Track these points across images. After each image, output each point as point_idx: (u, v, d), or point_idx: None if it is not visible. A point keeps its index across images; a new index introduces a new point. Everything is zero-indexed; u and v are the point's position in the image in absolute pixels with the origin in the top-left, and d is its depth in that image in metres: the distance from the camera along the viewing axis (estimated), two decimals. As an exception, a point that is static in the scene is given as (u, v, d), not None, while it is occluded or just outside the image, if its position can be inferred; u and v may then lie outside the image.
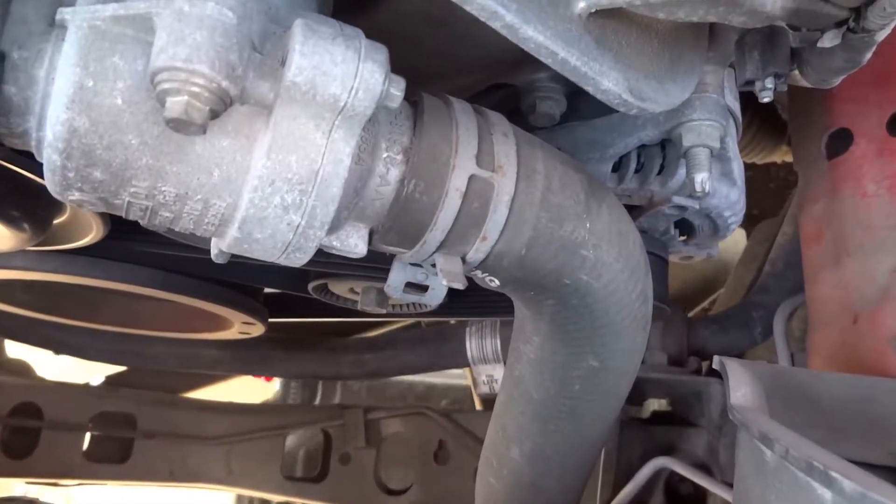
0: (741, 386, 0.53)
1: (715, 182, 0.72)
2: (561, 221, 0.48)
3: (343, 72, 0.37)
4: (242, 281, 0.88)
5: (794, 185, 1.38)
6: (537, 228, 0.47)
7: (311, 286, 0.88)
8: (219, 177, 0.38)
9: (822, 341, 0.79)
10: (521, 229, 0.47)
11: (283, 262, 0.43)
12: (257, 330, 1.04)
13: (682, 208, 0.75)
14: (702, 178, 0.64)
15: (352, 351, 1.22)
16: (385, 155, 0.43)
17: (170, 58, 0.32)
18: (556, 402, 0.60)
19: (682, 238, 0.86)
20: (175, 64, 0.32)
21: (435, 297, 0.52)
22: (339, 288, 0.90)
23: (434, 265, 0.49)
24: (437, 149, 0.44)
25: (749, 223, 1.61)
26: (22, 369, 1.43)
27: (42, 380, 1.38)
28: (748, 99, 0.78)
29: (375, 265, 0.79)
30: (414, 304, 0.96)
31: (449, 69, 0.64)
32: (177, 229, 0.42)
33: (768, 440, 0.40)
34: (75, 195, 0.38)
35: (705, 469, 0.96)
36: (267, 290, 1.07)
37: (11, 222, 0.59)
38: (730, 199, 0.75)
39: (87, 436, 1.29)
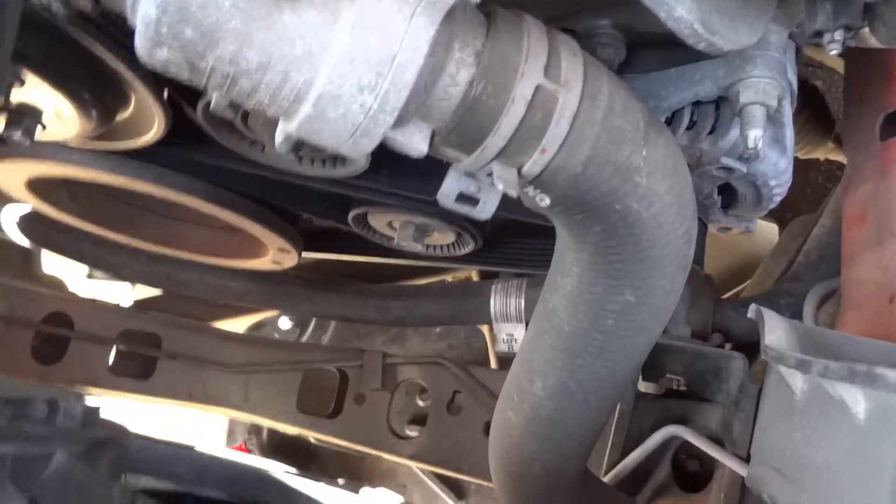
0: (776, 331, 0.54)
1: (766, 147, 0.73)
2: (619, 144, 0.49)
3: (433, -46, 0.38)
4: (286, 204, 0.90)
5: (832, 189, 1.37)
6: (595, 148, 0.48)
7: (351, 215, 0.89)
8: (301, 49, 0.40)
9: (854, 321, 0.79)
10: (579, 146, 0.48)
11: (347, 148, 0.45)
12: (291, 260, 1.06)
13: (729, 171, 0.75)
14: (755, 136, 0.64)
15: (377, 296, 1.24)
16: (457, 55, 0.44)
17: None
18: (588, 336, 0.61)
19: (724, 207, 0.86)
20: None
21: (485, 210, 0.53)
22: (378, 221, 0.91)
23: (489, 175, 0.50)
24: (507, 55, 0.45)
25: (781, 225, 1.60)
26: (56, 285, 1.47)
27: (75, 294, 1.42)
28: (800, 89, 0.78)
29: (417, 196, 0.81)
30: (446, 246, 0.98)
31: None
32: (251, 104, 0.43)
33: (806, 363, 0.41)
34: (164, 53, 0.39)
35: (717, 443, 0.97)
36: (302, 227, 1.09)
37: (82, 106, 0.61)
38: (778, 167, 0.75)
39: (113, 351, 1.32)
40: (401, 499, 0.95)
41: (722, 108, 0.72)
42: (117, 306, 1.40)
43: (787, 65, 0.68)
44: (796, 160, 1.36)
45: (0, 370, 1.23)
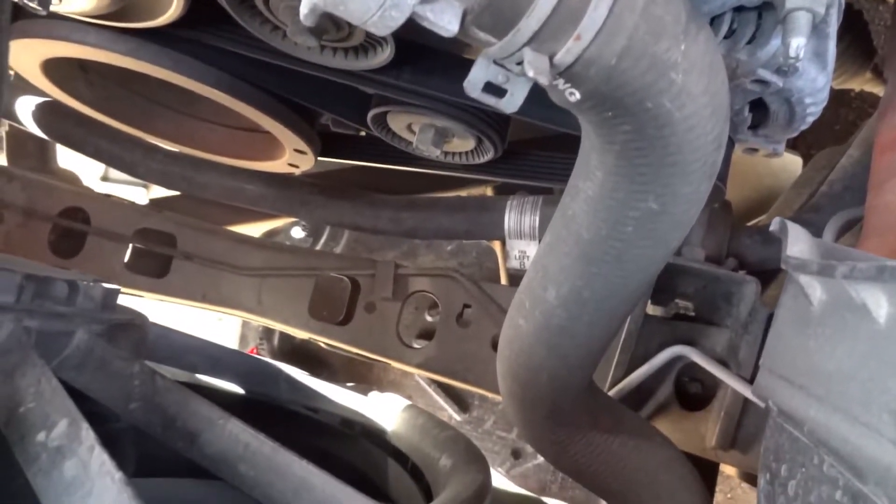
0: (799, 243, 0.53)
1: (806, 60, 0.69)
2: (658, 36, 0.47)
3: None
4: (304, 100, 0.88)
5: (861, 126, 1.32)
6: (633, 38, 0.46)
7: (370, 115, 0.88)
8: None
9: (875, 248, 0.78)
10: (616, 35, 0.46)
11: (374, 22, 0.43)
12: (307, 162, 1.06)
13: (765, 84, 0.72)
14: (798, 44, 0.61)
15: (391, 207, 1.24)
16: (496, -76, 0.42)
17: None
18: (606, 243, 0.61)
19: (752, 127, 0.84)
20: None
21: (512, 102, 0.51)
22: (397, 123, 0.90)
23: (519, 64, 0.48)
24: (548, -71, 0.43)
25: (806, 160, 1.56)
26: (71, 179, 1.48)
27: (91, 189, 1.42)
28: (844, 12, 0.73)
29: (439, 95, 0.79)
30: (464, 154, 0.96)
31: None
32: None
33: (830, 267, 0.40)
34: None
35: (722, 364, 0.98)
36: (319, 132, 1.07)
37: (98, -26, 0.59)
38: (816, 83, 0.72)
39: (129, 248, 1.34)
40: (407, 401, 0.98)
41: (764, 16, 0.69)
42: (133, 203, 1.40)
43: (838, -26, 0.64)
44: (829, 92, 1.31)
45: (19, 259, 1.25)
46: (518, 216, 1.18)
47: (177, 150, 1.17)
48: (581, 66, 0.47)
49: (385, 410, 0.98)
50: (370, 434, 0.96)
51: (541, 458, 1.55)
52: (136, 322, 0.73)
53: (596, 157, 0.57)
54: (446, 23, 0.45)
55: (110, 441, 0.61)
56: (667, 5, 0.47)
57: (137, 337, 0.73)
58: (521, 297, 0.74)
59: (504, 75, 0.51)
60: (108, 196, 1.38)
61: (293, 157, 1.04)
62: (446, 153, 0.95)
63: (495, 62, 0.50)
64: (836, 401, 0.42)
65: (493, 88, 0.51)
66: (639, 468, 0.84)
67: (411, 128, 0.89)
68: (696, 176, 0.55)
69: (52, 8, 0.63)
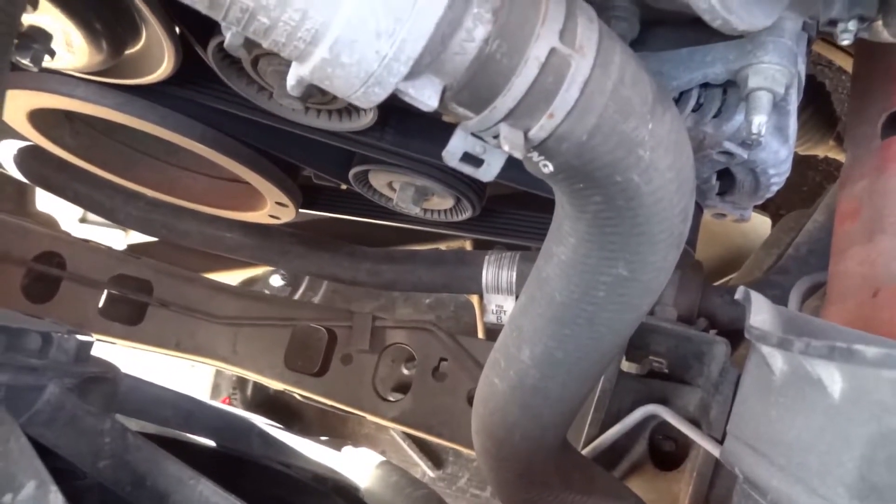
0: (762, 313, 0.55)
1: (768, 134, 0.73)
2: (626, 116, 0.49)
3: None
4: (288, 156, 0.90)
5: (828, 188, 1.38)
6: (603, 117, 0.49)
7: (352, 172, 0.90)
8: (321, -11, 0.40)
9: (836, 314, 0.81)
10: (587, 114, 0.48)
11: (359, 96, 0.45)
12: (288, 214, 1.07)
13: (730, 156, 0.76)
14: (759, 122, 0.65)
15: (370, 259, 1.25)
16: (475, 10, 0.45)
17: None
18: (578, 306, 0.63)
19: (720, 193, 0.87)
20: None
21: (489, 172, 0.53)
22: (378, 181, 0.92)
23: (495, 138, 0.51)
24: (525, 15, 0.46)
25: (775, 220, 1.62)
26: (49, 222, 1.47)
27: (68, 234, 1.42)
28: (807, 85, 0.78)
29: (420, 157, 0.81)
30: (443, 211, 0.98)
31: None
32: (267, 43, 0.43)
33: (788, 342, 0.42)
34: (184, -19, 0.39)
35: (694, 424, 0.99)
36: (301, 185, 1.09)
37: (93, 35, 0.61)
38: (779, 156, 0.76)
39: (104, 295, 1.33)
40: (381, 457, 0.97)
41: (729, 92, 0.73)
42: (111, 249, 1.40)
43: (798, 55, 0.69)
44: (795, 157, 1.37)
45: (-10, 304, 1.23)
46: (496, 271, 1.19)
47: (158, 197, 1.17)
48: (554, 141, 0.49)
49: (358, 466, 0.97)
50: (343, 491, 0.95)
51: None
52: (108, 375, 0.72)
53: (569, 224, 0.60)
54: (426, 98, 0.47)
55: (76, 500, 0.60)
56: (635, 87, 0.50)
57: (109, 390, 0.72)
58: (496, 355, 0.75)
59: (481, 146, 0.53)
60: (85, 241, 1.38)
61: (274, 209, 1.05)
62: (426, 210, 0.97)
63: (473, 134, 0.52)
64: (796, 471, 0.44)
65: (470, 158, 0.54)
66: (611, 529, 0.84)
67: (392, 185, 0.91)
68: (664, 245, 0.57)
69: (45, 64, 0.65)
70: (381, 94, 0.45)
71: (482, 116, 0.49)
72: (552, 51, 0.46)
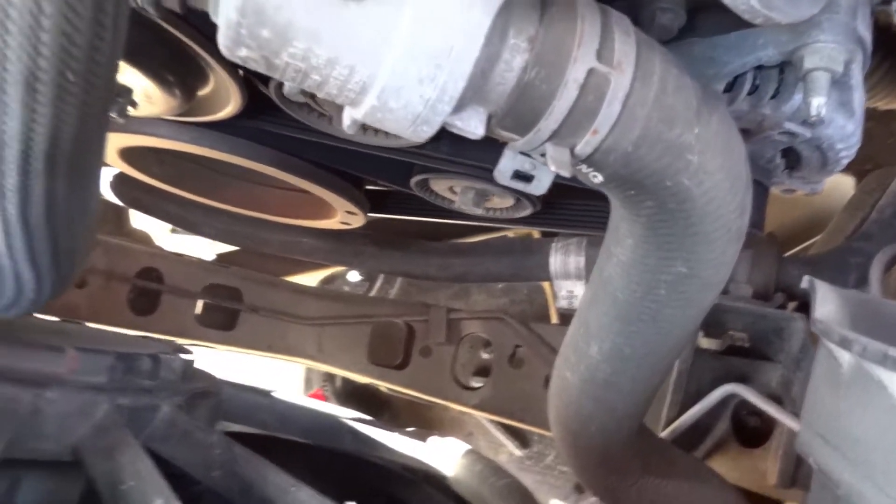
0: (827, 304, 0.55)
1: (831, 111, 0.71)
2: (671, 123, 0.50)
3: (488, -47, 0.40)
4: (353, 171, 0.95)
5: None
6: (647, 127, 0.49)
7: (413, 181, 0.93)
8: (366, 44, 0.43)
9: (921, 285, 0.78)
10: (631, 127, 0.49)
11: (409, 134, 0.48)
12: (358, 221, 1.12)
13: (793, 136, 0.74)
14: (818, 104, 0.63)
15: (440, 254, 1.29)
16: (512, 41, 0.46)
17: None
18: (641, 304, 0.64)
19: (788, 169, 0.85)
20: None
21: (539, 187, 0.55)
22: (440, 186, 0.95)
23: (543, 155, 0.52)
24: (561, 40, 0.47)
25: (859, 177, 1.53)
26: (144, 239, 1.60)
27: (163, 249, 1.53)
28: (880, 38, 0.74)
29: (476, 164, 0.84)
30: (505, 209, 1.00)
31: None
32: (321, 94, 0.47)
33: (847, 341, 0.42)
34: (243, 51, 0.43)
35: (777, 401, 0.98)
36: (369, 188, 1.14)
37: (166, 86, 0.67)
38: (845, 130, 0.74)
39: (200, 303, 1.43)
40: (467, 446, 1.01)
41: (786, 71, 0.71)
42: (201, 261, 1.50)
43: (859, 23, 0.66)
44: (877, 111, 1.30)
45: (103, 321, 1.36)
46: (563, 257, 1.21)
47: (239, 212, 1.25)
48: (600, 154, 0.51)
49: (445, 456, 1.02)
50: (432, 480, 1.00)
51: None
52: (211, 389, 0.80)
53: (625, 226, 0.61)
54: (473, 127, 0.50)
55: (194, 502, 0.67)
56: (678, 94, 0.50)
57: (213, 403, 0.80)
58: (566, 350, 0.77)
59: (530, 163, 0.55)
60: (179, 255, 1.49)
61: (345, 216, 1.10)
62: (487, 209, 0.99)
63: (521, 153, 0.55)
64: (864, 468, 0.44)
65: (521, 176, 0.56)
66: (694, 511, 0.85)
67: (453, 189, 0.94)
68: (721, 242, 0.57)
69: (129, 113, 0.71)
70: (429, 131, 0.48)
71: (527, 139, 0.51)
72: (590, 71, 0.47)
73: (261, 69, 0.45)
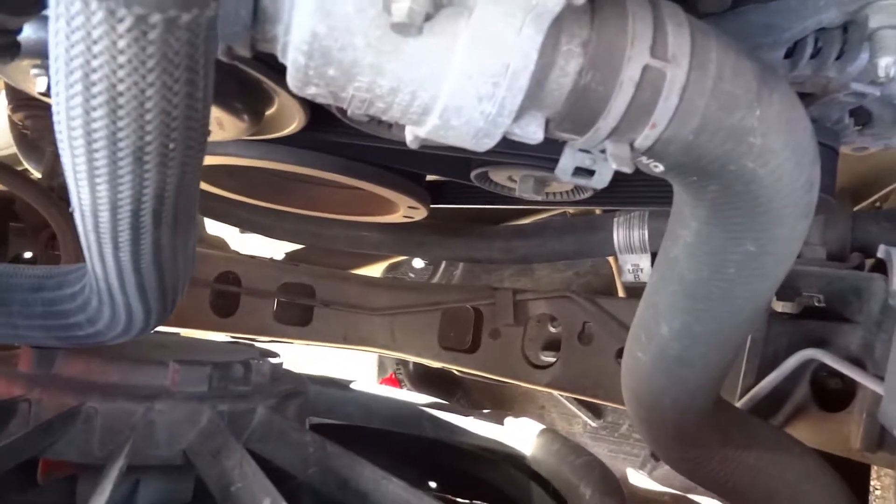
0: (906, 274, 0.54)
1: (901, 67, 0.68)
2: (730, 109, 0.50)
3: (536, -27, 0.41)
4: (413, 169, 0.98)
5: None
6: (706, 116, 0.50)
7: (473, 174, 0.95)
8: (426, 71, 0.45)
9: None
10: (690, 117, 0.50)
11: (472, 146, 0.50)
12: (420, 214, 1.15)
13: (861, 96, 0.72)
14: (886, 63, 0.61)
15: (502, 237, 1.31)
16: (565, 48, 0.47)
17: (395, -31, 0.38)
18: (709, 283, 0.64)
19: (858, 128, 0.82)
20: (399, -26, 0.38)
21: (601, 180, 0.56)
22: (499, 176, 0.96)
23: (602, 151, 0.53)
24: (613, 42, 0.48)
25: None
26: (220, 244, 1.68)
27: (238, 253, 1.61)
28: None
29: (535, 153, 0.85)
30: (565, 192, 1.01)
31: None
32: (385, 117, 0.49)
33: (927, 319, 0.42)
34: (312, 90, 0.46)
35: (858, 364, 0.96)
36: (429, 178, 1.16)
37: (235, 113, 0.71)
38: (918, 85, 0.71)
39: (275, 302, 1.51)
40: (542, 426, 1.04)
41: (850, 30, 0.68)
42: (273, 261, 1.57)
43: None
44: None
45: (191, 325, 1.45)
46: (626, 231, 1.20)
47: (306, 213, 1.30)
48: (660, 146, 0.51)
49: (521, 436, 1.05)
50: (512, 460, 1.04)
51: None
52: (299, 389, 0.85)
53: (689, 209, 0.61)
54: (532, 133, 0.51)
55: (295, 497, 0.72)
56: (736, 79, 0.50)
57: (302, 401, 0.85)
58: (636, 330, 0.78)
59: (590, 158, 0.56)
60: (252, 258, 1.56)
61: (407, 211, 1.13)
62: (547, 193, 1.00)
63: (581, 149, 0.56)
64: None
65: (582, 171, 0.57)
66: (778, 480, 0.85)
67: (512, 178, 0.96)
68: (791, 219, 0.57)
69: (202, 140, 0.76)
70: (490, 143, 0.49)
71: (586, 138, 0.52)
72: (645, 68, 0.48)
73: (328, 101, 0.48)
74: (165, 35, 0.31)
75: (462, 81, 0.45)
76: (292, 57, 0.44)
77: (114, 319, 0.53)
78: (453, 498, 1.03)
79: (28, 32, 0.63)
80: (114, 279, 0.45)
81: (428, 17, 0.40)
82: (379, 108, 0.48)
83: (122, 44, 0.30)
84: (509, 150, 0.83)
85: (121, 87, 0.31)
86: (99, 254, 0.42)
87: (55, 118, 0.34)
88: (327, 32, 0.42)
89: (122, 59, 0.31)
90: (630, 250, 1.22)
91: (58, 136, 0.34)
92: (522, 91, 0.45)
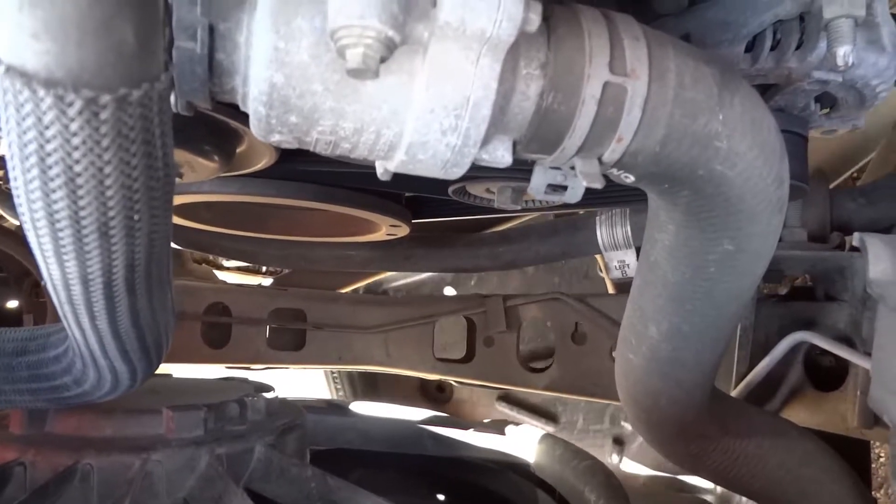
0: (880, 261, 0.55)
1: (860, 52, 0.69)
2: (694, 116, 0.50)
3: (487, 6, 0.41)
4: (390, 189, 0.97)
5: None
6: (671, 125, 0.50)
7: (450, 189, 0.95)
8: (387, 110, 0.45)
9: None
10: (654, 128, 0.50)
11: (442, 175, 0.50)
12: (403, 231, 1.15)
13: (824, 83, 0.72)
14: (844, 52, 0.62)
15: (487, 244, 1.31)
16: (524, 72, 0.48)
17: (346, 16, 0.38)
18: (692, 284, 0.65)
19: (825, 112, 0.83)
20: (351, 22, 0.38)
21: (574, 195, 0.57)
22: (476, 189, 0.96)
23: (573, 168, 0.54)
24: (571, 61, 0.48)
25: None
26: (206, 275, 1.67)
27: (225, 283, 1.60)
28: None
29: (510, 167, 0.85)
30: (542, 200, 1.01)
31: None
32: (353, 156, 0.49)
33: (903, 311, 0.43)
34: (276, 137, 0.46)
35: (847, 342, 0.97)
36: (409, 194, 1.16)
37: (205, 155, 0.70)
38: (878, 66, 0.71)
39: (267, 328, 1.50)
40: (542, 432, 1.04)
41: (807, 20, 0.69)
42: (262, 287, 1.57)
43: (878, -42, 0.64)
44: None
45: (184, 360, 1.44)
46: (610, 229, 1.21)
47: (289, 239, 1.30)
48: (628, 158, 0.52)
49: (523, 444, 1.05)
50: (516, 468, 1.04)
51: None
52: (297, 421, 0.85)
53: (664, 214, 0.62)
54: (500, 157, 0.51)
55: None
56: (696, 86, 0.51)
57: (300, 433, 0.85)
58: (625, 333, 0.79)
59: (562, 175, 0.56)
60: (240, 286, 1.55)
61: (389, 230, 1.13)
62: (525, 201, 1.00)
63: (551, 167, 0.56)
64: (940, 427, 0.45)
65: (555, 187, 0.57)
66: (779, 466, 0.86)
67: (490, 190, 0.96)
68: (764, 215, 0.58)
69: (176, 182, 0.76)
70: (460, 172, 0.49)
71: (555, 156, 0.52)
72: (606, 84, 0.48)
73: (293, 146, 0.48)
74: (118, 113, 0.31)
75: (425, 117, 0.45)
76: (253, 107, 0.44)
77: (100, 381, 0.53)
78: (462, 512, 1.03)
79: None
80: (94, 345, 0.44)
81: (383, 60, 0.40)
82: (345, 149, 0.48)
83: (74, 126, 0.30)
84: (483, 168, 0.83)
85: (78, 168, 0.31)
86: (77, 323, 0.42)
87: (15, 200, 0.33)
88: (285, 82, 0.42)
89: (75, 140, 0.30)
90: (615, 247, 1.22)
91: (20, 217, 0.34)
92: (486, 120, 0.45)
